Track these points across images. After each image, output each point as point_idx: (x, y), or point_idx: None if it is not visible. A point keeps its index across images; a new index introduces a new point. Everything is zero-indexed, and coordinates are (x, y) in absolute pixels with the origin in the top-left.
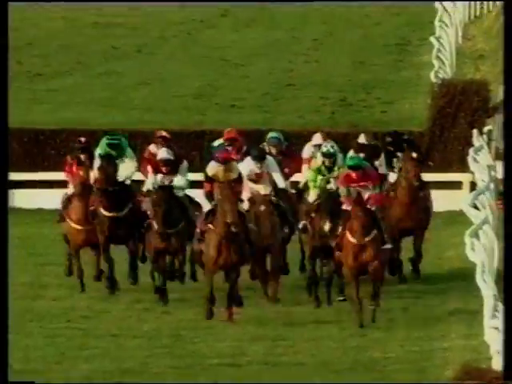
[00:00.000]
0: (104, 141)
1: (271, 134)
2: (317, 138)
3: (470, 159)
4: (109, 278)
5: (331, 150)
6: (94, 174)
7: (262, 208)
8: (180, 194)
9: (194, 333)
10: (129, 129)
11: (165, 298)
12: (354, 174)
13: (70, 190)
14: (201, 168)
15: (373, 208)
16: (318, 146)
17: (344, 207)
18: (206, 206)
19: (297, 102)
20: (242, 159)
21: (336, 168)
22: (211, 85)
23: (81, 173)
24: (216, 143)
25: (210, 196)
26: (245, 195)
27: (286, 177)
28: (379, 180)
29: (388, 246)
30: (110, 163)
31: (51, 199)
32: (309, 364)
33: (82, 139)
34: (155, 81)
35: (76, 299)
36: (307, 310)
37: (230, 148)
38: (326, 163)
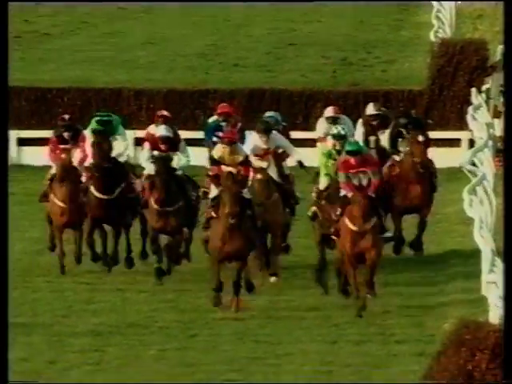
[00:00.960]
0: (94, 119)
1: (268, 114)
2: (328, 111)
3: (468, 117)
4: (103, 257)
5: (342, 132)
6: (82, 153)
7: (259, 176)
8: (179, 172)
9: (197, 287)
10: (134, 87)
11: (162, 278)
12: (352, 160)
13: (53, 170)
14: (204, 126)
15: (372, 195)
16: (332, 119)
17: (342, 193)
18: (213, 191)
19: (299, 61)
20: (238, 135)
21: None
22: (215, 44)
23: (63, 155)
24: (211, 119)
25: (216, 180)
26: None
27: (282, 158)
28: (378, 166)
29: (388, 234)
30: (104, 139)
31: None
32: (309, 317)
33: (66, 116)
34: (160, 40)
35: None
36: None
37: (224, 124)
38: (337, 146)
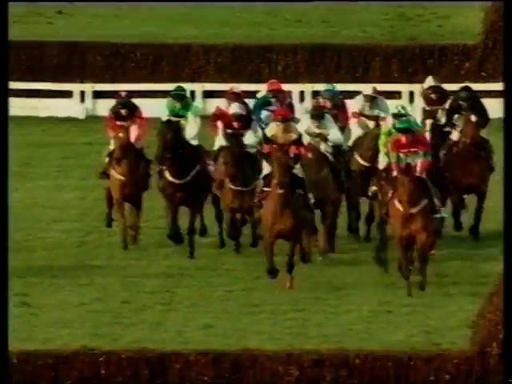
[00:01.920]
0: (169, 98)
1: (326, 87)
2: (368, 89)
3: None
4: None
5: (402, 111)
6: (140, 129)
7: (310, 155)
8: (252, 151)
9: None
10: (202, 43)
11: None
12: (403, 139)
13: (111, 146)
14: (269, 79)
15: (423, 175)
16: (369, 98)
17: (394, 173)
18: (266, 169)
19: (359, 16)
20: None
21: None
22: (279, 2)
23: (120, 134)
24: (259, 95)
25: (270, 157)
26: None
27: (341, 130)
28: (429, 146)
29: (440, 214)
30: (169, 129)
31: None
32: (368, 262)
33: (123, 93)
34: None
35: None
36: None
37: (273, 100)
38: (397, 125)
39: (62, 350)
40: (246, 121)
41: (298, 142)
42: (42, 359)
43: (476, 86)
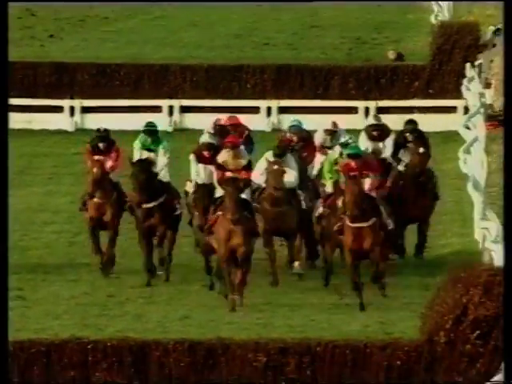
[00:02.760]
0: (141, 134)
1: (293, 123)
2: (327, 124)
3: (463, 88)
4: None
5: (349, 141)
6: (114, 162)
7: (275, 167)
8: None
9: None
10: (179, 63)
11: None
12: (353, 163)
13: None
14: (238, 96)
15: (373, 194)
16: (329, 132)
17: (346, 196)
18: (218, 192)
19: (320, 40)
20: (244, 143)
21: None
22: (249, 26)
23: (94, 169)
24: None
25: (220, 183)
26: (261, 179)
27: (305, 162)
28: (380, 169)
29: (390, 226)
30: (142, 170)
31: (115, 122)
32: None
33: (101, 128)
34: (202, 23)
35: None
36: None
37: (233, 133)
38: (344, 154)
39: (53, 339)
40: (216, 150)
41: (248, 167)
42: (35, 347)
43: (424, 103)
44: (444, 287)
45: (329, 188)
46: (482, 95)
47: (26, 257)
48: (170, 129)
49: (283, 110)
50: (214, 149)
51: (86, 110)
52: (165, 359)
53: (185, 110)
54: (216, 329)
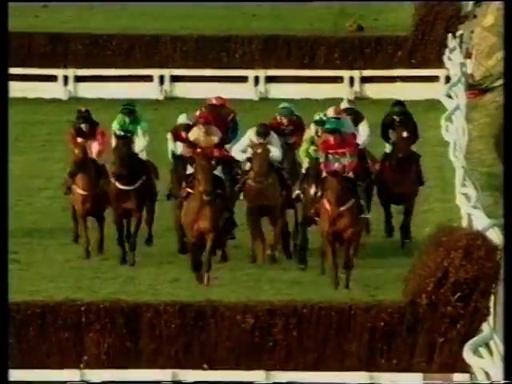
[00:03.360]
0: (119, 114)
1: (283, 105)
2: (329, 111)
3: (445, 58)
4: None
5: (324, 119)
6: (100, 146)
7: (259, 151)
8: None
9: None
10: (170, 34)
11: None
12: (331, 139)
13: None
14: (227, 65)
15: (350, 175)
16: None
17: (324, 174)
18: (189, 170)
19: (306, 12)
20: (230, 126)
21: None
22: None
23: (76, 151)
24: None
25: (192, 160)
26: (241, 156)
27: (292, 147)
28: (355, 147)
29: (366, 215)
30: (124, 144)
31: (107, 91)
32: None
33: (83, 109)
34: None
35: None
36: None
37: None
38: (319, 133)
39: (48, 301)
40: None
41: (220, 145)
42: (31, 309)
43: (407, 72)
44: (426, 251)
45: (304, 167)
46: (463, 65)
47: (21, 221)
48: (160, 97)
49: (270, 80)
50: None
51: (79, 79)
52: (156, 321)
53: (175, 79)
54: (205, 291)
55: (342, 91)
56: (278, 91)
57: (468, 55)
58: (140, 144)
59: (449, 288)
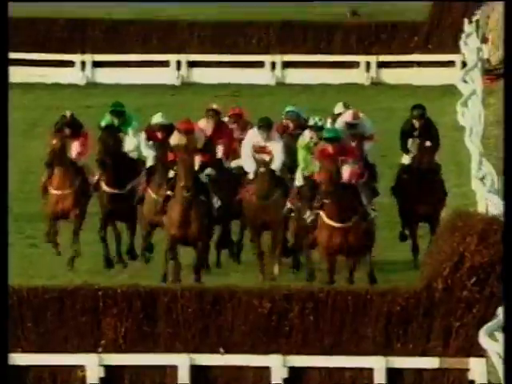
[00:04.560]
0: (107, 115)
1: (289, 108)
2: (347, 116)
3: (461, 43)
4: (106, 257)
5: (319, 123)
6: (82, 147)
7: (262, 170)
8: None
9: None
10: (187, 19)
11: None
12: (330, 148)
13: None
14: (244, 51)
15: (353, 182)
16: (350, 125)
17: (322, 186)
18: (170, 173)
19: None
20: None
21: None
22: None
23: (54, 141)
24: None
25: (173, 166)
26: (248, 165)
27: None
28: (358, 154)
29: (371, 216)
30: (110, 135)
31: (125, 76)
32: None
33: (68, 113)
34: None
35: None
36: None
37: (234, 126)
38: (314, 138)
39: (65, 286)
40: (170, 131)
41: (205, 149)
42: (49, 293)
43: (423, 57)
44: (442, 236)
45: (299, 180)
46: (479, 50)
47: (39, 206)
48: (177, 83)
49: (287, 65)
50: (168, 130)
51: (96, 64)
52: (173, 305)
53: (192, 64)
54: (223, 276)
55: (358, 76)
56: (295, 76)
57: (484, 40)
58: (130, 144)
59: (465, 273)
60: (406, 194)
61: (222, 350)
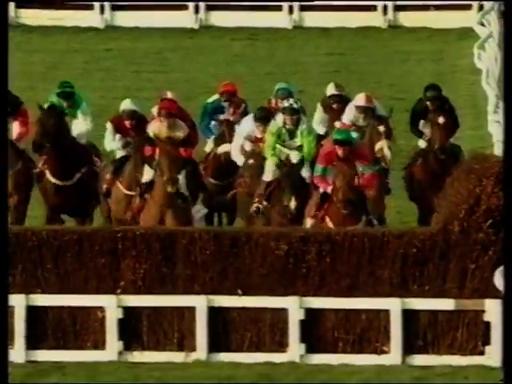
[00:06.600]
0: (54, 97)
1: (279, 85)
2: (360, 99)
3: None
4: None
5: (295, 106)
6: (22, 127)
7: (251, 162)
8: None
9: None
10: None
11: None
12: (340, 151)
13: None
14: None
15: (364, 191)
16: (362, 109)
17: (321, 190)
18: (148, 173)
19: None
20: (239, 119)
21: (299, 133)
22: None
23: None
24: (211, 99)
25: (151, 161)
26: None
27: None
28: (371, 158)
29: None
30: (50, 115)
31: (143, 19)
32: None
33: None
34: None
35: None
36: None
37: (226, 104)
38: (288, 123)
39: (84, 228)
40: (139, 119)
41: (187, 142)
42: (68, 235)
43: (440, 1)
44: (458, 178)
45: (268, 172)
46: None
47: None
48: (195, 26)
49: (304, 8)
50: (137, 118)
51: (115, 7)
52: (191, 247)
53: (210, 8)
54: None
55: (375, 19)
56: (312, 19)
57: None
58: (80, 129)
59: (481, 215)
60: (421, 182)
61: (239, 291)
